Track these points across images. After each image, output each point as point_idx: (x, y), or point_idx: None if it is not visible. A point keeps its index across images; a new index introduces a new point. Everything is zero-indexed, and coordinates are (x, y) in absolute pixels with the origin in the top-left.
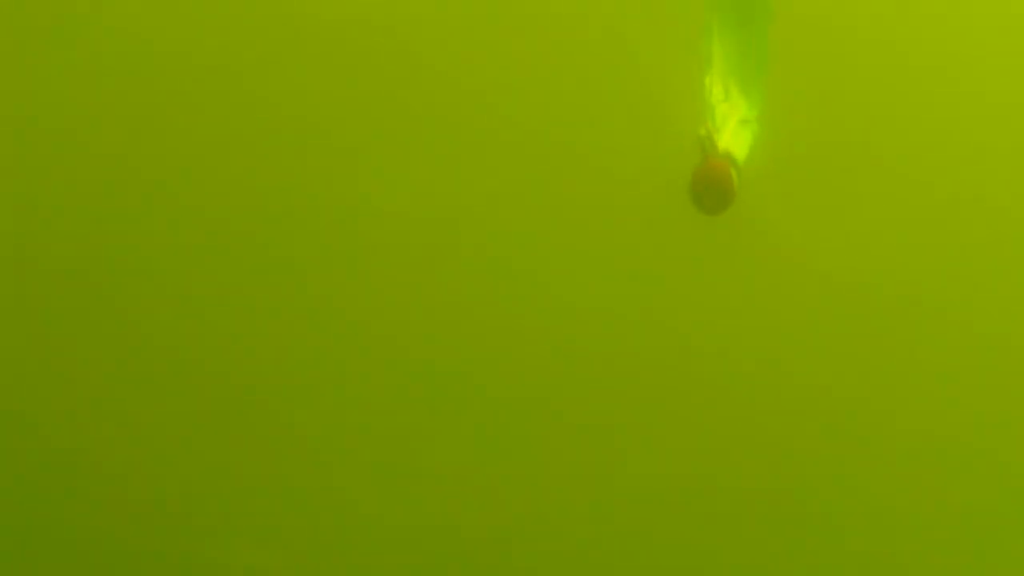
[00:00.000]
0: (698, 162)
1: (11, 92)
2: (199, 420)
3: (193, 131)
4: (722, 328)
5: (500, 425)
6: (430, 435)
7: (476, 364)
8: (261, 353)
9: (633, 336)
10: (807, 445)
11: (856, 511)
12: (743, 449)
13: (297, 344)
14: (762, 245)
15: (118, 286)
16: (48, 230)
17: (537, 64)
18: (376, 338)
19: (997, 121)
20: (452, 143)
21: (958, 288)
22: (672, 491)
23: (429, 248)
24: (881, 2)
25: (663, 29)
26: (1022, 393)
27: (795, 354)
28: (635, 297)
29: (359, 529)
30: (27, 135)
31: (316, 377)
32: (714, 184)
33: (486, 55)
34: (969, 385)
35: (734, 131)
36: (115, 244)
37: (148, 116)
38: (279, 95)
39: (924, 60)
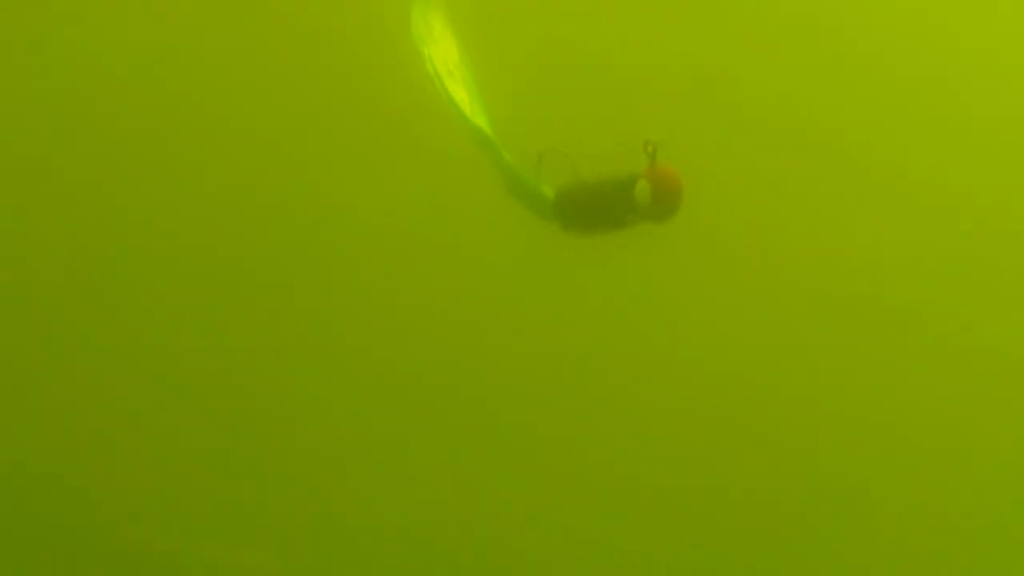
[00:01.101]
0: (648, 168)
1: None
2: (199, 420)
3: (188, 134)
4: (680, 331)
5: (497, 426)
6: (428, 435)
7: (458, 368)
8: (261, 354)
9: (601, 340)
10: (782, 444)
11: (837, 510)
12: (722, 450)
13: (297, 345)
14: (711, 246)
15: (118, 287)
16: (47, 230)
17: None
18: (375, 340)
19: (965, 120)
20: (413, 156)
21: (924, 285)
22: (665, 491)
23: (420, 254)
24: (852, 8)
25: None
26: (999, 391)
27: (757, 354)
28: (601, 304)
29: (359, 529)
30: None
31: (316, 378)
32: (668, 187)
33: None
34: (942, 382)
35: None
36: (117, 246)
37: (143, 118)
38: (261, 99)
39: (882, 61)
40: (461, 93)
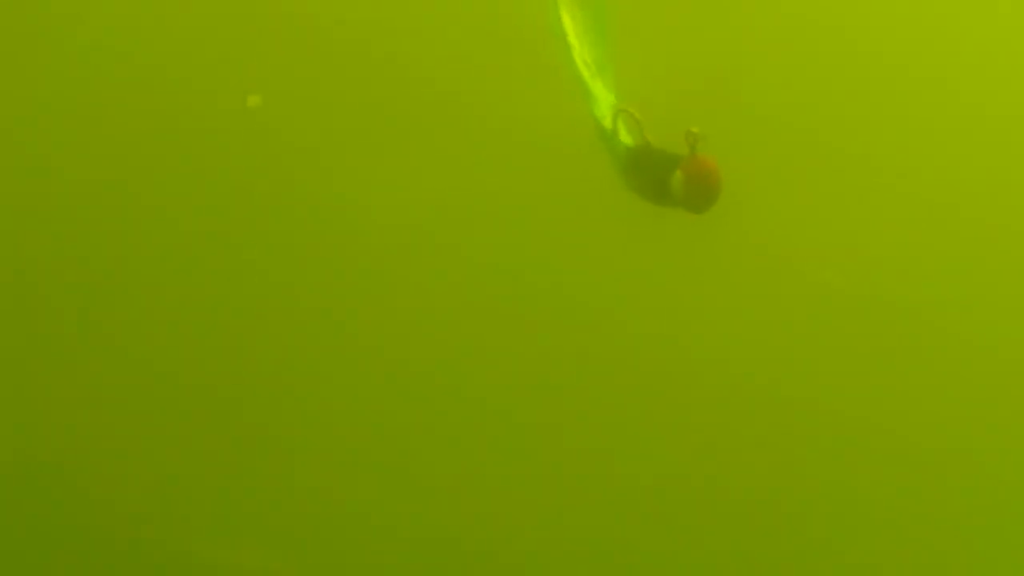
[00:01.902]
0: (686, 158)
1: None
2: (199, 420)
3: (187, 134)
4: (707, 327)
5: (498, 426)
6: (428, 435)
7: (469, 365)
8: (261, 354)
9: (622, 335)
10: (796, 446)
11: (846, 513)
12: (732, 449)
13: (297, 345)
14: (747, 242)
15: (118, 287)
16: (46, 231)
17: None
18: (376, 339)
19: (988, 120)
20: (429, 148)
21: (947, 286)
22: (666, 491)
23: (422, 250)
24: (869, 5)
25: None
26: (1012, 396)
27: (782, 353)
28: (624, 296)
29: (359, 529)
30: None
31: (317, 377)
32: (702, 181)
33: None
34: (960, 383)
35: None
36: (117, 245)
37: (142, 119)
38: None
39: (909, 61)
40: (575, 22)
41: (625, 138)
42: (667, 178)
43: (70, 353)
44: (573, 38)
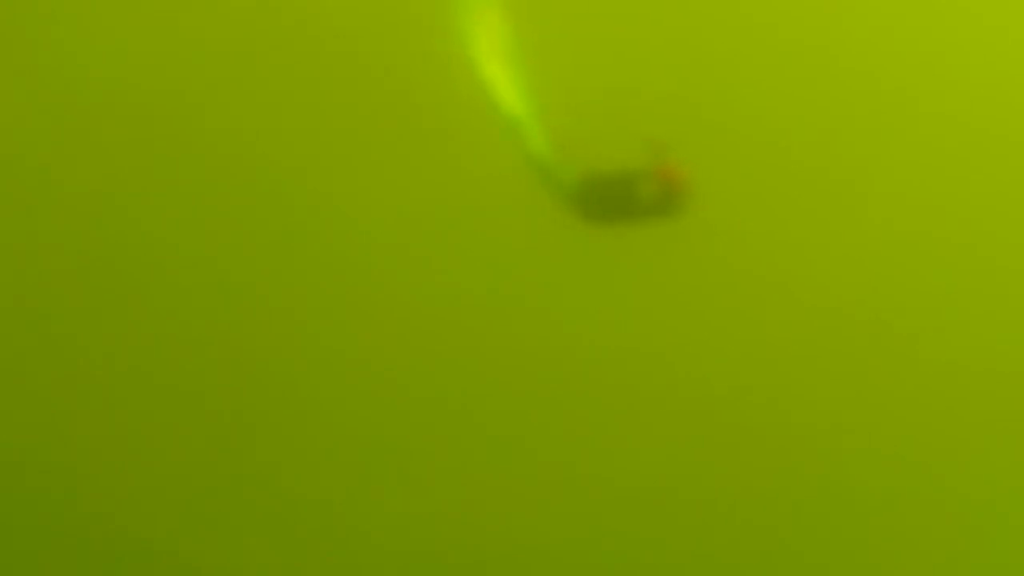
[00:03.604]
0: (649, 164)
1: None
2: (199, 419)
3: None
4: (679, 338)
5: (492, 428)
6: (426, 436)
7: (455, 370)
8: (260, 354)
9: (594, 349)
10: (773, 459)
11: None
12: (712, 460)
13: (295, 344)
14: (718, 250)
15: (117, 285)
16: (46, 232)
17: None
18: (375, 339)
19: (965, 121)
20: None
21: (926, 297)
22: (657, 495)
23: (416, 253)
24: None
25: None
26: (1000, 406)
27: (755, 364)
28: (594, 310)
29: (359, 529)
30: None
31: (308, 377)
32: (666, 186)
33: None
34: (943, 392)
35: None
36: (114, 244)
37: (135, 121)
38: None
39: (884, 64)
40: (500, 71)
41: (570, 168)
42: (632, 191)
43: (69, 360)
44: (499, 83)
